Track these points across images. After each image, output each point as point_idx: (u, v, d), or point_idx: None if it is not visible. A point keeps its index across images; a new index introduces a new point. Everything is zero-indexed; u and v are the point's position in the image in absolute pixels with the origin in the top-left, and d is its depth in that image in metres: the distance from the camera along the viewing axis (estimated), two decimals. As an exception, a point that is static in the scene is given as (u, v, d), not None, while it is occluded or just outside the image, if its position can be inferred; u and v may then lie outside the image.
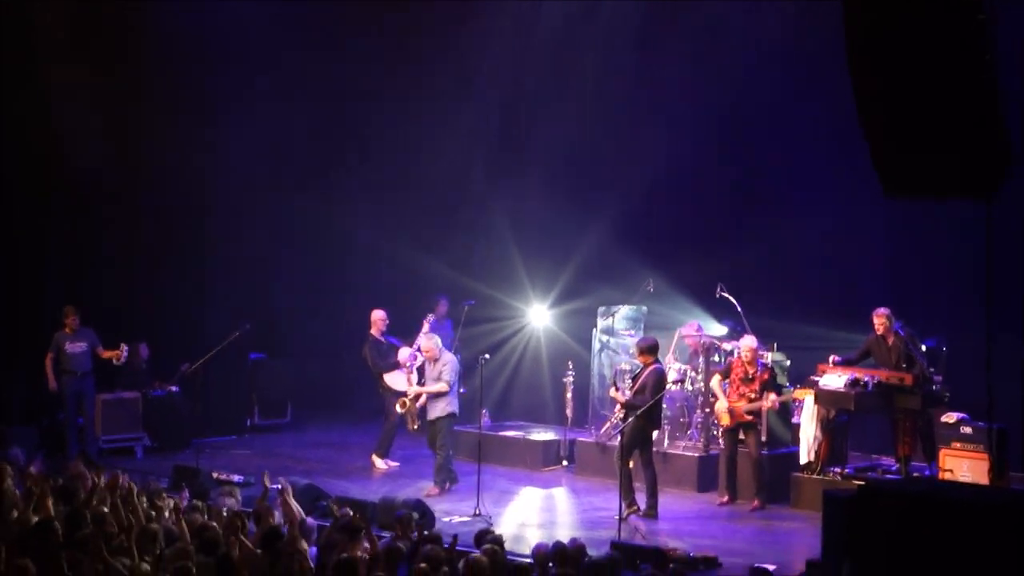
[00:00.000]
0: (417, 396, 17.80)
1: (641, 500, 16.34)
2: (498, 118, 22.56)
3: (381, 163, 22.68)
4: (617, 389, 16.81)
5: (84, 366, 19.03)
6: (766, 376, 16.95)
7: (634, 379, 16.69)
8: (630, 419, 15.99)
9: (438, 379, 17.54)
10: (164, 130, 20.94)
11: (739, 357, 17.17)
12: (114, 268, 21.24)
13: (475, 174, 22.40)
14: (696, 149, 20.55)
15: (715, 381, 17.34)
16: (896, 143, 10.86)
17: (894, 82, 10.68)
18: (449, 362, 17.64)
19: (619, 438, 16.24)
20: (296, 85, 22.20)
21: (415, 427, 17.97)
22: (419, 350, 18.22)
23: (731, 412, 16.96)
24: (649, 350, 16.65)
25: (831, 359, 16.96)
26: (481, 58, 22.14)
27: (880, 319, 16.78)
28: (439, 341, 17.84)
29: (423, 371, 18.22)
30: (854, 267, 19.69)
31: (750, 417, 16.90)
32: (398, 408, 17.99)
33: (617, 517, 15.20)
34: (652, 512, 16.24)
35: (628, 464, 16.13)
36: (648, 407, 16.24)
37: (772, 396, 16.88)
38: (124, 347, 19.18)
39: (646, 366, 16.54)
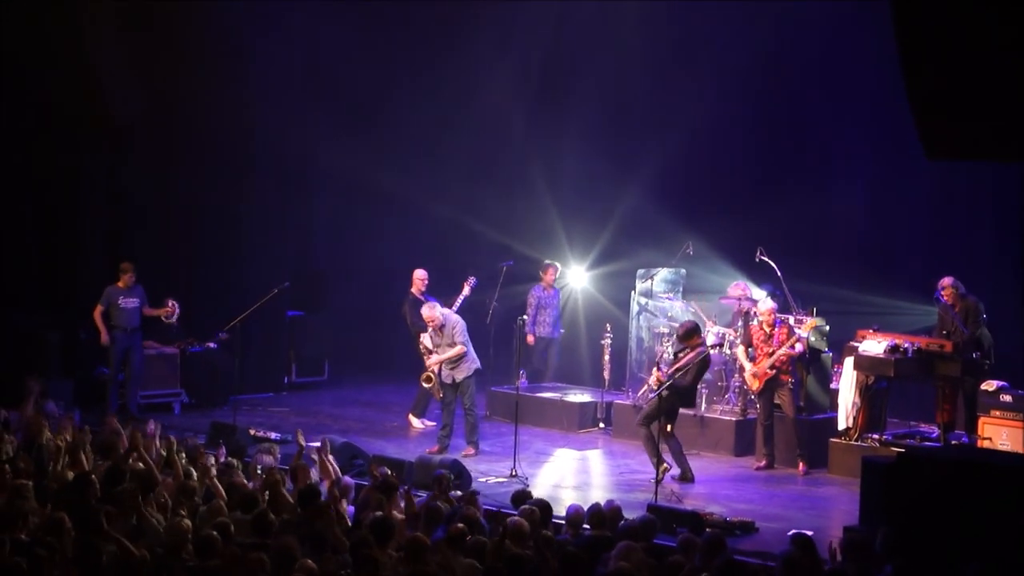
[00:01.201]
0: (439, 365, 17.60)
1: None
2: (537, 77, 22.44)
3: (421, 122, 22.60)
4: (659, 370, 16.56)
5: (134, 322, 19.06)
6: (784, 331, 16.81)
7: (675, 357, 16.54)
8: (663, 391, 15.88)
9: (452, 344, 17.46)
10: (203, 84, 20.87)
11: (758, 322, 17.10)
12: (150, 222, 21.22)
13: (514, 133, 22.31)
14: (737, 111, 20.45)
15: (740, 352, 17.27)
16: (939, 106, 10.76)
17: (939, 44, 10.56)
18: (456, 323, 17.50)
19: (646, 405, 16.26)
20: (336, 44, 22.10)
21: (440, 395, 17.88)
22: (458, 312, 18.15)
23: (756, 375, 16.90)
24: (690, 333, 16.50)
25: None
26: (521, 13, 22.00)
27: (946, 289, 16.61)
28: (439, 308, 17.65)
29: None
30: (895, 231, 19.59)
31: (772, 372, 16.80)
32: (424, 384, 17.89)
33: (653, 480, 15.15)
34: (688, 476, 16.18)
35: (650, 428, 16.08)
36: (687, 388, 16.21)
37: (797, 346, 16.78)
38: (172, 303, 19.24)
39: (691, 347, 16.41)
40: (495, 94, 22.03)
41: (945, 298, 16.66)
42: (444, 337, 17.41)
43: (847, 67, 19.41)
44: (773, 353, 16.77)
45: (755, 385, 17.02)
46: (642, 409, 17.09)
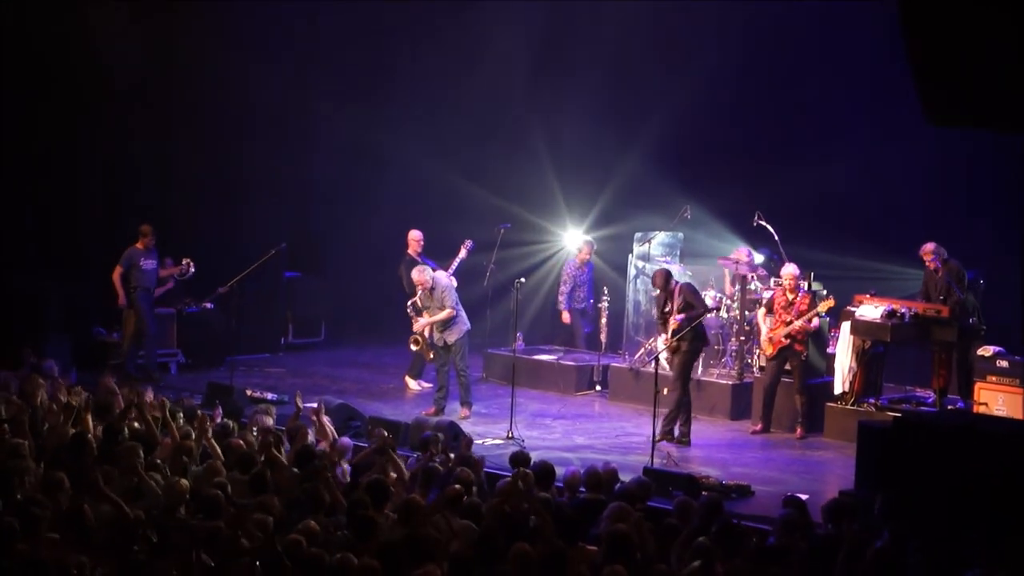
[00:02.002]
0: (428, 328, 17.57)
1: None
2: (539, 42, 22.34)
3: (420, 84, 22.53)
4: (672, 320, 16.59)
5: (154, 282, 19.18)
6: (807, 301, 16.83)
7: (664, 305, 16.57)
8: (679, 343, 16.01)
9: (442, 307, 17.45)
10: (203, 44, 20.82)
11: (781, 285, 17.10)
12: (148, 183, 21.19)
13: (515, 97, 22.24)
14: (737, 76, 20.39)
15: (760, 314, 17.28)
16: (940, 71, 10.74)
17: (941, 8, 10.54)
18: (446, 287, 17.48)
19: (672, 367, 16.39)
20: (338, 8, 22.03)
21: (431, 357, 17.85)
22: (454, 274, 18.18)
23: (772, 340, 16.92)
24: (667, 278, 16.57)
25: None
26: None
27: (927, 255, 16.65)
28: (429, 271, 17.64)
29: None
30: (894, 197, 19.55)
31: (786, 341, 16.82)
32: (412, 347, 17.86)
33: (650, 440, 15.10)
34: (685, 439, 16.22)
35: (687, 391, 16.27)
36: (694, 323, 16.19)
37: (815, 320, 16.83)
38: (187, 261, 19.34)
39: (674, 288, 16.46)
40: (497, 59, 21.94)
41: (928, 264, 16.70)
42: (434, 300, 17.39)
43: (848, 33, 19.34)
44: (791, 322, 16.79)
45: (769, 350, 17.03)
46: (644, 371, 17.19)
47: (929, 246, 16.69)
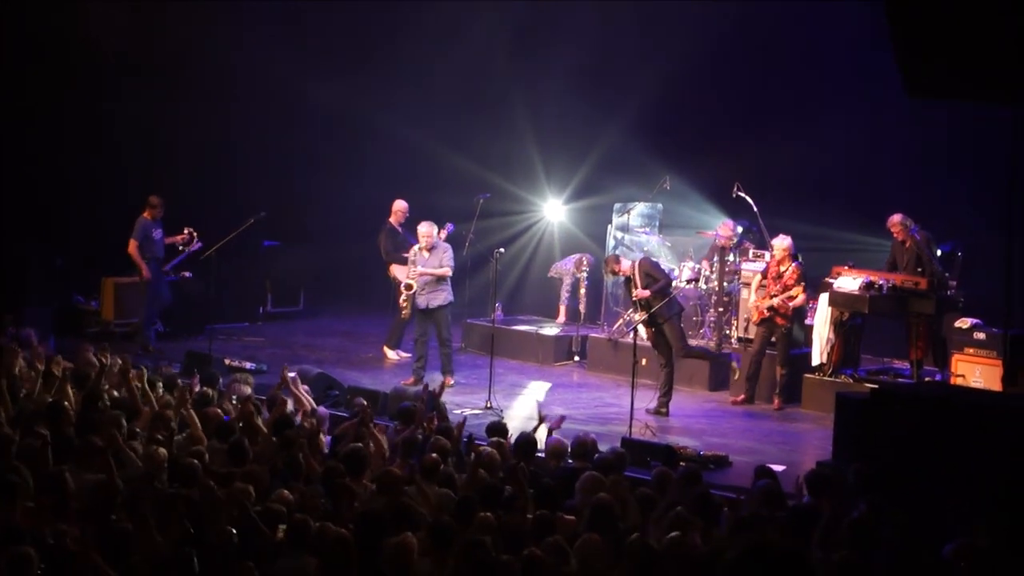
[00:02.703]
0: (419, 280, 17.53)
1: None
2: (520, 13, 22.26)
3: (403, 53, 22.45)
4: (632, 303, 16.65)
5: (162, 252, 19.28)
6: (795, 276, 16.85)
7: (629, 282, 16.60)
8: (656, 318, 16.10)
9: (440, 265, 17.48)
10: (187, 13, 20.75)
11: (772, 256, 17.14)
12: (132, 152, 21.11)
13: (495, 66, 22.19)
14: (717, 45, 20.35)
15: (755, 281, 17.32)
16: (921, 43, 10.73)
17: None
18: (448, 248, 17.58)
19: (657, 344, 16.45)
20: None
21: (407, 314, 17.84)
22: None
23: (758, 308, 16.98)
24: (615, 261, 16.63)
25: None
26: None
27: (895, 226, 16.70)
28: (436, 228, 17.69)
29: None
30: (873, 169, 19.56)
31: (768, 313, 16.86)
32: (404, 293, 17.79)
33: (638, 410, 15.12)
34: (664, 410, 16.26)
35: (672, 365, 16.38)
36: (663, 291, 16.25)
37: (800, 297, 16.86)
38: (189, 230, 19.31)
39: (631, 268, 16.50)
40: (479, 29, 21.89)
41: (896, 235, 16.73)
42: (432, 258, 17.41)
43: (828, 5, 19.31)
44: (774, 296, 16.82)
45: (754, 316, 17.10)
46: (622, 342, 17.28)
47: (896, 217, 16.72)
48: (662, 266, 17.70)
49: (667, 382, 16.39)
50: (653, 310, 16.19)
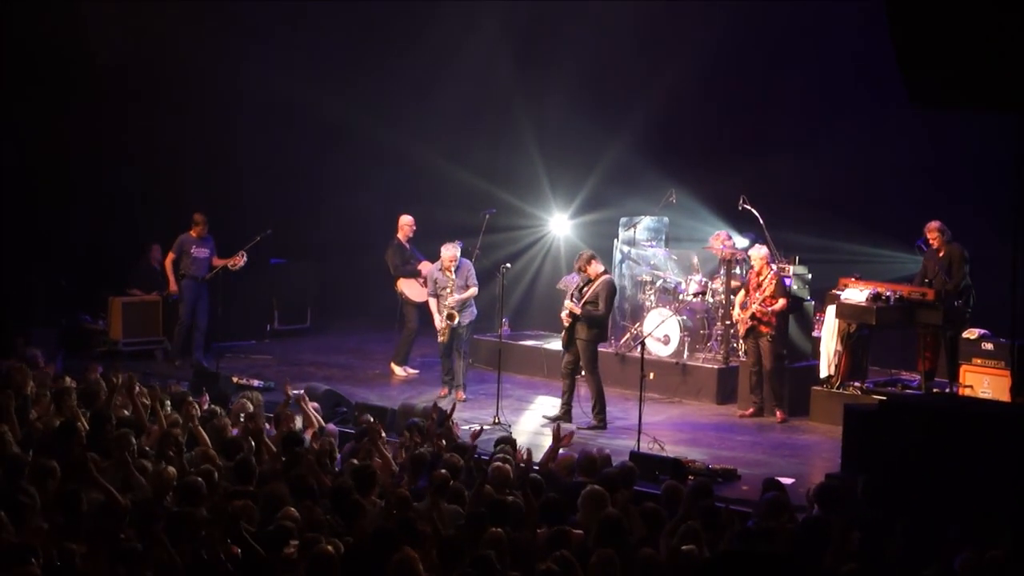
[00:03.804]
0: (457, 305, 17.61)
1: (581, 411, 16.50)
2: (523, 27, 22.29)
3: (405, 69, 22.46)
4: (572, 299, 16.61)
5: (203, 271, 19.20)
6: (772, 283, 16.83)
7: (581, 290, 16.55)
8: (579, 328, 16.21)
9: (466, 286, 17.57)
10: (188, 31, 20.73)
11: (751, 267, 17.14)
12: (134, 167, 21.09)
13: (500, 83, 22.21)
14: (722, 57, 20.35)
15: (740, 296, 17.30)
16: (924, 52, 10.74)
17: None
18: (471, 267, 17.72)
19: (565, 353, 16.56)
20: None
21: (443, 340, 17.85)
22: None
23: (741, 320, 17.00)
24: (587, 261, 16.55)
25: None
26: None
27: (931, 232, 16.66)
28: (459, 249, 17.76)
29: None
30: (878, 180, 19.54)
31: (752, 322, 16.86)
32: (446, 323, 17.60)
33: (645, 437, 15.09)
34: (601, 422, 16.24)
35: (575, 377, 16.41)
36: (600, 319, 16.28)
37: (780, 302, 16.84)
38: (242, 253, 19.17)
39: (595, 277, 16.45)
40: (481, 44, 21.91)
41: (931, 242, 16.69)
42: (458, 278, 17.52)
43: (832, 15, 19.32)
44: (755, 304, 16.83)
45: (740, 330, 17.10)
46: (629, 356, 17.30)
47: (934, 224, 16.68)
48: (668, 278, 17.72)
49: (567, 392, 16.51)
50: (577, 324, 16.23)
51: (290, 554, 8.97)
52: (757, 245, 17.27)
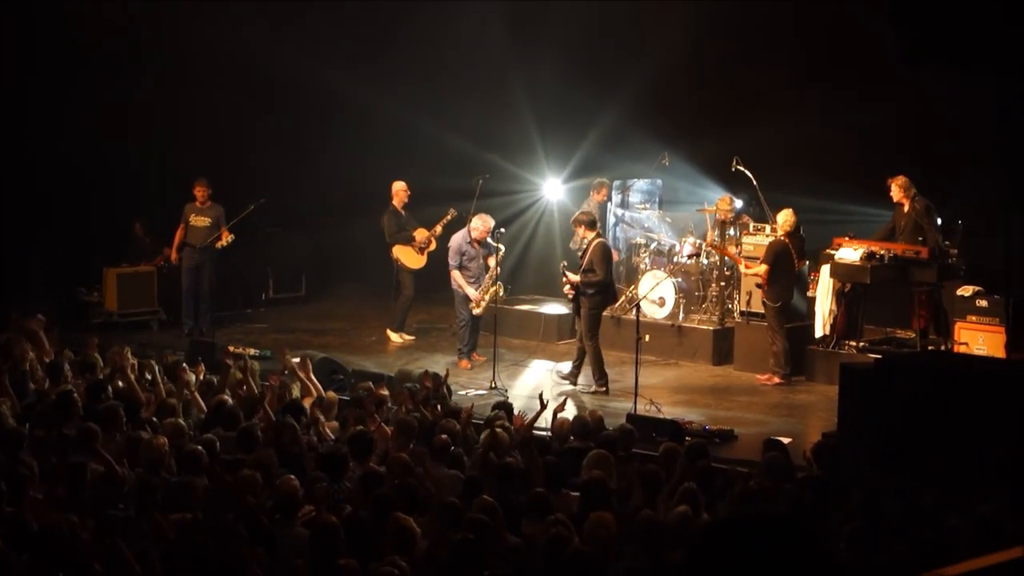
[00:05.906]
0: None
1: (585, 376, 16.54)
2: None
3: (400, 36, 22.37)
4: (565, 276, 16.60)
5: (199, 239, 19.08)
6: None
7: (580, 257, 16.57)
8: (589, 297, 16.18)
9: (489, 255, 17.66)
10: (187, 4, 20.69)
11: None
12: (130, 137, 21.01)
13: (492, 45, 22.12)
14: (714, 20, 20.30)
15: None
16: (916, 13, 10.73)
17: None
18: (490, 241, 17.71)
19: (577, 320, 16.62)
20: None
21: (479, 313, 17.80)
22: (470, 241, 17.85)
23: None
24: (588, 224, 16.55)
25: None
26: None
27: (896, 184, 16.65)
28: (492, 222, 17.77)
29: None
30: (872, 139, 19.51)
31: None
32: (483, 297, 17.59)
33: (642, 399, 15.13)
34: (604, 387, 16.27)
35: (597, 343, 16.32)
36: (601, 283, 16.27)
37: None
38: (226, 233, 19.07)
39: (589, 243, 16.46)
40: (475, 9, 21.82)
41: (892, 196, 16.69)
42: (482, 248, 17.55)
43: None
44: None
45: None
46: (624, 319, 17.29)
47: (900, 179, 16.64)
48: (663, 240, 17.74)
49: (579, 356, 16.51)
50: (580, 293, 16.26)
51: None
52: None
